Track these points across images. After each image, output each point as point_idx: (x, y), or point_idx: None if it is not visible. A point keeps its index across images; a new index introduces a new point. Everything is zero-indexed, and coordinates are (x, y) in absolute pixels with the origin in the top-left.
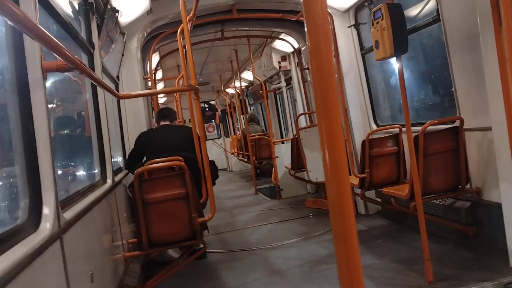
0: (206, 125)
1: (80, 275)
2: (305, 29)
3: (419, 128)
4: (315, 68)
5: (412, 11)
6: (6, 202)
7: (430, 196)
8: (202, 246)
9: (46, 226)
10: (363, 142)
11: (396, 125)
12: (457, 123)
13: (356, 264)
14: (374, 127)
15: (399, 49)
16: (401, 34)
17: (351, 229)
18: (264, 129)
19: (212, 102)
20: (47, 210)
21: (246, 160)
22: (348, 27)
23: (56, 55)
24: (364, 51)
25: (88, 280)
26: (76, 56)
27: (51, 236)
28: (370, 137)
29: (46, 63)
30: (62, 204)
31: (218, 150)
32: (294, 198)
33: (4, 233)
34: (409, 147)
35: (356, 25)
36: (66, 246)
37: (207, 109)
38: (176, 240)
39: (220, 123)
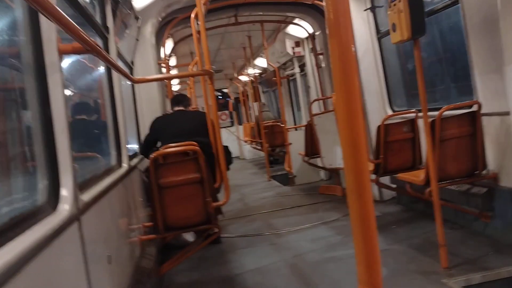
0: (219, 113)
1: (98, 257)
2: (324, 7)
3: (435, 113)
4: (335, 50)
5: None
6: (26, 184)
7: (446, 182)
8: (216, 230)
9: (64, 207)
10: (378, 127)
11: (412, 110)
12: (474, 108)
13: (373, 247)
14: (390, 112)
15: (417, 32)
16: (419, 16)
17: (368, 212)
18: (277, 116)
19: (225, 90)
20: (65, 192)
21: (259, 147)
22: (364, 10)
23: (72, 37)
24: (381, 35)
25: (105, 262)
26: (92, 39)
27: (69, 217)
28: (385, 123)
29: (62, 45)
30: (80, 187)
31: (233, 139)
32: (308, 185)
33: (24, 214)
34: (425, 132)
35: (373, 8)
36: (84, 228)
37: (220, 97)
38: (191, 224)
39: (233, 111)
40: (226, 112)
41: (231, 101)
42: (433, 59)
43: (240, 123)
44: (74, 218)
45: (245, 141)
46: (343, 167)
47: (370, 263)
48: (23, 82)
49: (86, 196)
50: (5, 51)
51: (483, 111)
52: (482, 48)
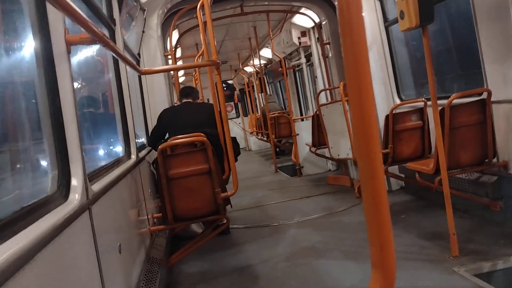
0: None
1: (108, 246)
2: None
3: (444, 102)
4: (347, 37)
5: None
6: (37, 174)
7: (456, 170)
8: (225, 221)
9: (75, 197)
10: (387, 116)
11: (421, 99)
12: (484, 95)
13: (386, 229)
14: (398, 101)
15: (425, 19)
16: (427, 3)
17: (381, 193)
18: (283, 107)
19: (230, 82)
20: (76, 182)
21: (265, 139)
22: None
23: (80, 27)
24: (388, 23)
25: (116, 251)
26: (99, 29)
27: (80, 206)
28: (394, 112)
29: (70, 36)
30: (90, 177)
31: (238, 130)
32: (315, 176)
33: (35, 203)
34: (434, 120)
35: None
36: (95, 217)
37: (225, 88)
38: (199, 215)
39: (238, 102)
40: (232, 103)
41: (236, 93)
42: (442, 47)
43: (245, 114)
44: (85, 207)
45: (251, 132)
46: (351, 157)
47: (383, 246)
48: (32, 73)
49: (96, 186)
50: (14, 42)
51: (493, 98)
52: (491, 35)
